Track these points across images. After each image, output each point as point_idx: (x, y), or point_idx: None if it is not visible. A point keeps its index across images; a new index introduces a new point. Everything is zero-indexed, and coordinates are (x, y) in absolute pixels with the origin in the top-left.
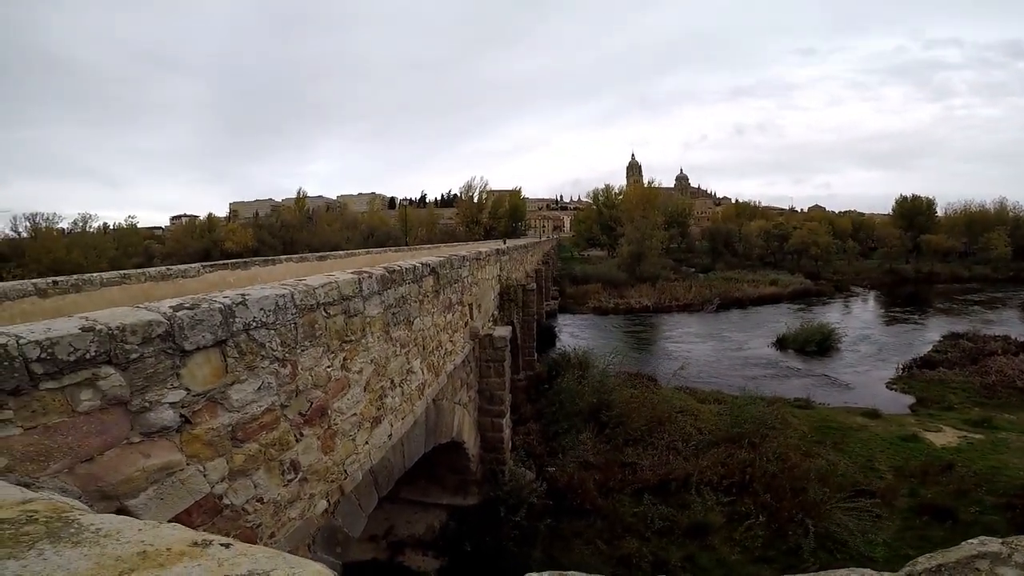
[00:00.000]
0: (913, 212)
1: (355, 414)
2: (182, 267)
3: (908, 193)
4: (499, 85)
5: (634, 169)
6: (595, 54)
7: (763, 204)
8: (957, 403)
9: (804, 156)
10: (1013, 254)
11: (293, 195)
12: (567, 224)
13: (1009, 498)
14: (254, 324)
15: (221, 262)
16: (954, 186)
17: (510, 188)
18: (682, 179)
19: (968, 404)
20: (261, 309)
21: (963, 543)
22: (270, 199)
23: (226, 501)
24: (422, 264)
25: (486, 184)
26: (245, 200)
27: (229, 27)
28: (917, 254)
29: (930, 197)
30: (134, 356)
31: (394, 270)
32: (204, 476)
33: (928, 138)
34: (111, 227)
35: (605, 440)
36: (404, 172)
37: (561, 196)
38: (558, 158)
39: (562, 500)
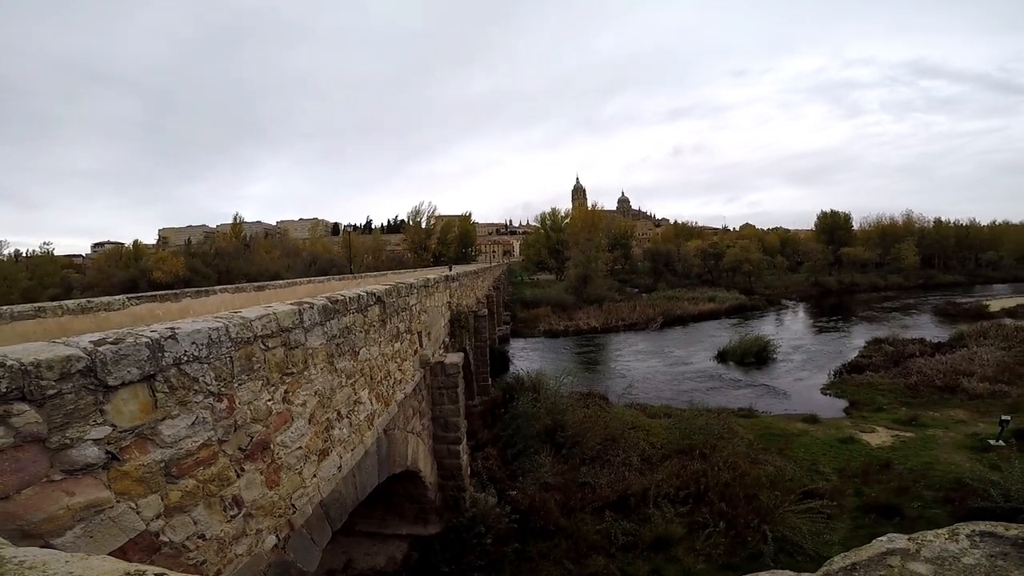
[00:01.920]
0: (833, 227)
1: (300, 447)
2: (105, 299)
3: (828, 208)
4: (451, 106)
5: (579, 192)
6: (547, 76)
7: (699, 224)
8: (886, 404)
9: (736, 175)
10: (921, 263)
11: (229, 220)
12: (517, 249)
13: (946, 492)
14: (185, 358)
15: (149, 294)
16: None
17: (460, 213)
18: (624, 201)
19: (896, 404)
20: (193, 343)
21: (874, 540)
22: (203, 225)
23: (164, 538)
24: (367, 293)
25: (434, 209)
26: (176, 226)
27: (166, 41)
28: (839, 266)
29: (847, 212)
30: (51, 392)
31: (337, 300)
32: (137, 513)
33: (845, 154)
34: (24, 254)
35: (563, 460)
36: (350, 195)
37: (511, 220)
38: (509, 180)
39: (526, 522)
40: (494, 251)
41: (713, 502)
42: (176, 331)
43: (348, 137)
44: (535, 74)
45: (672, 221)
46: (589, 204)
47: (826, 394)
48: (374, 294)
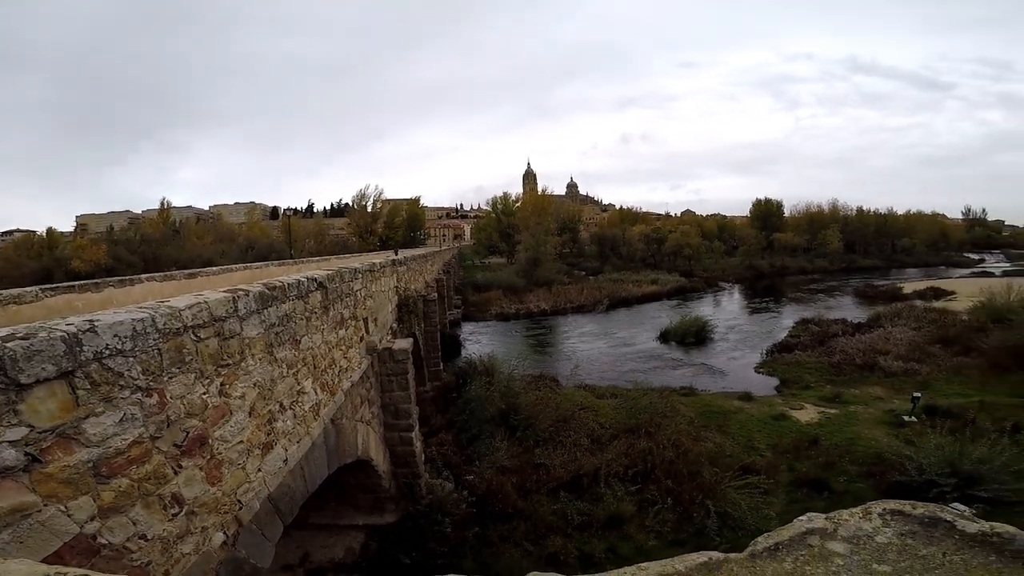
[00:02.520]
0: (767, 213)
1: (242, 441)
2: (15, 291)
3: (763, 197)
4: (404, 90)
5: (530, 177)
6: (503, 62)
7: (644, 210)
8: (813, 382)
9: (681, 164)
10: (844, 248)
11: (156, 206)
12: (468, 232)
13: (868, 466)
14: (108, 352)
15: (66, 284)
16: (802, 189)
17: (409, 197)
18: (572, 186)
19: (821, 382)
20: (115, 335)
21: (794, 520)
22: (127, 211)
23: (102, 540)
24: (308, 278)
25: (381, 192)
26: (97, 213)
27: (89, 19)
28: (771, 250)
29: (780, 200)
30: None
31: (275, 286)
32: (68, 516)
33: (782, 146)
34: None
35: (517, 443)
36: (292, 180)
37: (461, 204)
38: (462, 165)
39: (485, 506)
40: (444, 235)
41: (660, 479)
42: (96, 323)
43: (292, 121)
44: (492, 60)
45: (618, 206)
46: (539, 189)
47: (759, 372)
48: (315, 279)
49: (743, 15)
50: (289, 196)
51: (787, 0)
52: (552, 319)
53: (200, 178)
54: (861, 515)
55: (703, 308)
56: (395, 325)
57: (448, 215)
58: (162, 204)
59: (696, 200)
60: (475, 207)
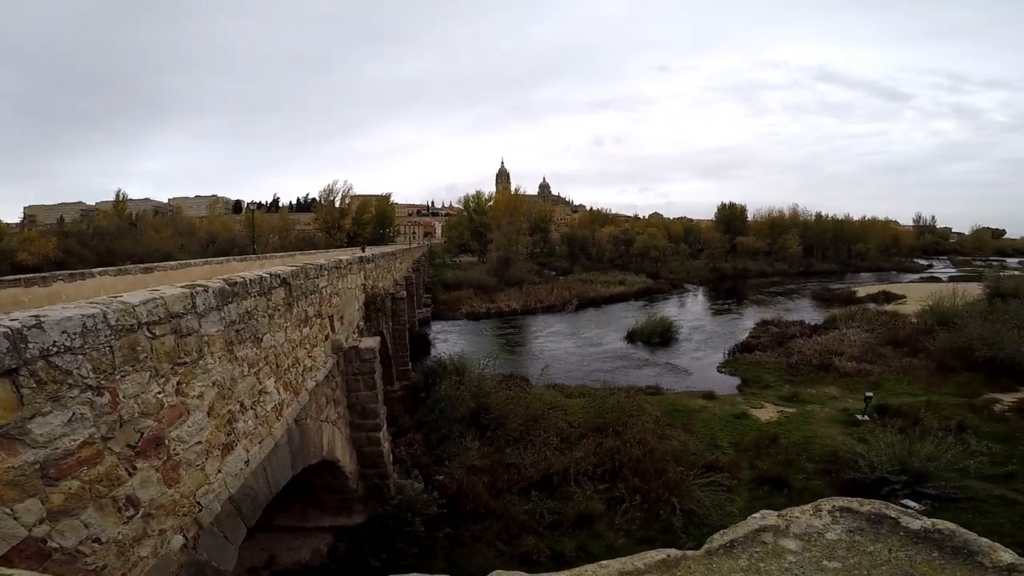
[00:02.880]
0: (731, 218)
1: (200, 442)
2: None
3: (728, 201)
4: (378, 85)
5: (503, 176)
6: (481, 61)
7: (613, 211)
8: (772, 381)
9: (651, 167)
10: (803, 252)
11: (111, 198)
12: (439, 230)
13: (825, 464)
14: (55, 349)
15: (11, 277)
16: (764, 194)
17: (380, 193)
18: (544, 187)
19: (780, 382)
20: (63, 332)
21: (748, 518)
22: (80, 202)
23: (53, 544)
24: (271, 275)
25: (350, 188)
26: (46, 204)
27: (49, 5)
28: (734, 254)
29: (743, 204)
30: None
31: (236, 282)
32: (15, 519)
33: (747, 151)
34: None
35: (488, 443)
36: (257, 174)
37: (432, 202)
38: (435, 162)
39: (456, 506)
40: (414, 232)
41: (627, 478)
42: (43, 319)
43: (260, 113)
44: (469, 59)
45: (588, 207)
46: (512, 188)
47: (722, 372)
48: (279, 276)
49: (721, 21)
50: (254, 190)
51: (765, 8)
52: (522, 319)
53: (159, 170)
54: (812, 512)
55: (669, 309)
56: (362, 323)
57: (419, 213)
58: (117, 196)
59: (664, 203)
60: (447, 205)
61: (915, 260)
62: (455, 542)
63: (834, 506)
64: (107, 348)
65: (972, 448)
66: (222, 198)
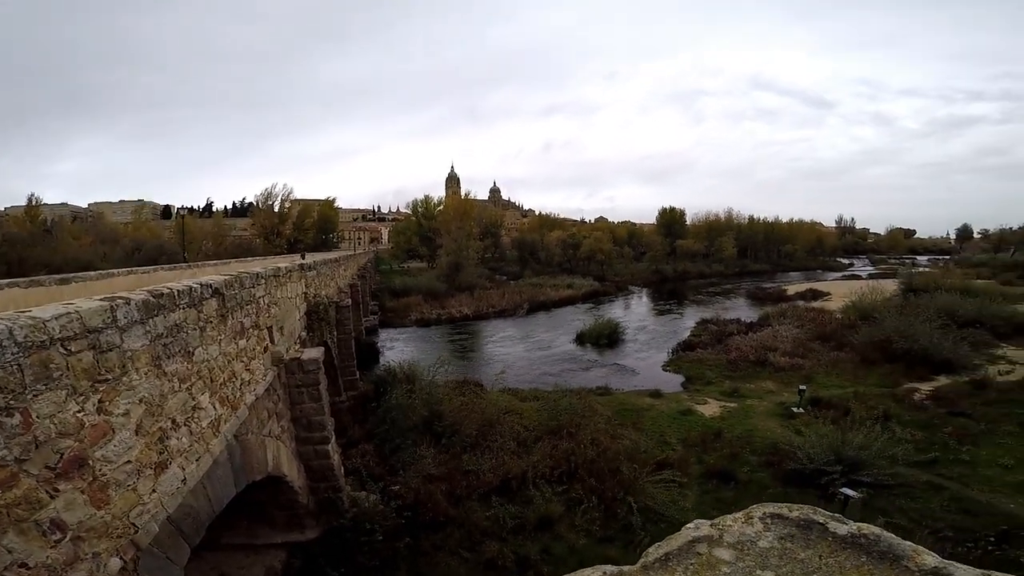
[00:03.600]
0: (671, 221)
1: (129, 461)
2: None
3: (668, 205)
4: (327, 86)
5: (453, 181)
6: (435, 64)
7: (561, 216)
8: (713, 378)
9: (597, 172)
10: (738, 254)
11: (23, 202)
12: (386, 236)
13: (767, 456)
14: None
15: None
16: (703, 198)
17: (324, 197)
18: (495, 191)
19: (721, 378)
20: None
21: (682, 528)
22: None
23: None
24: (202, 284)
25: (290, 191)
26: None
27: None
28: (675, 256)
29: (683, 208)
30: None
31: (162, 293)
32: None
33: (687, 157)
34: None
35: (444, 450)
36: (195, 177)
37: (379, 207)
38: (383, 166)
39: (415, 516)
40: (360, 238)
41: (584, 479)
42: None
43: (195, 112)
44: (424, 61)
45: (538, 212)
46: (463, 193)
47: (667, 370)
48: (210, 285)
49: (667, 29)
50: (186, 194)
51: (708, 16)
52: (474, 324)
53: (79, 172)
54: (744, 520)
55: (615, 311)
56: (304, 334)
57: (365, 217)
58: (30, 200)
59: (609, 207)
60: (395, 210)
61: (838, 259)
62: (417, 552)
63: (765, 513)
64: (15, 366)
65: (898, 436)
66: (149, 203)
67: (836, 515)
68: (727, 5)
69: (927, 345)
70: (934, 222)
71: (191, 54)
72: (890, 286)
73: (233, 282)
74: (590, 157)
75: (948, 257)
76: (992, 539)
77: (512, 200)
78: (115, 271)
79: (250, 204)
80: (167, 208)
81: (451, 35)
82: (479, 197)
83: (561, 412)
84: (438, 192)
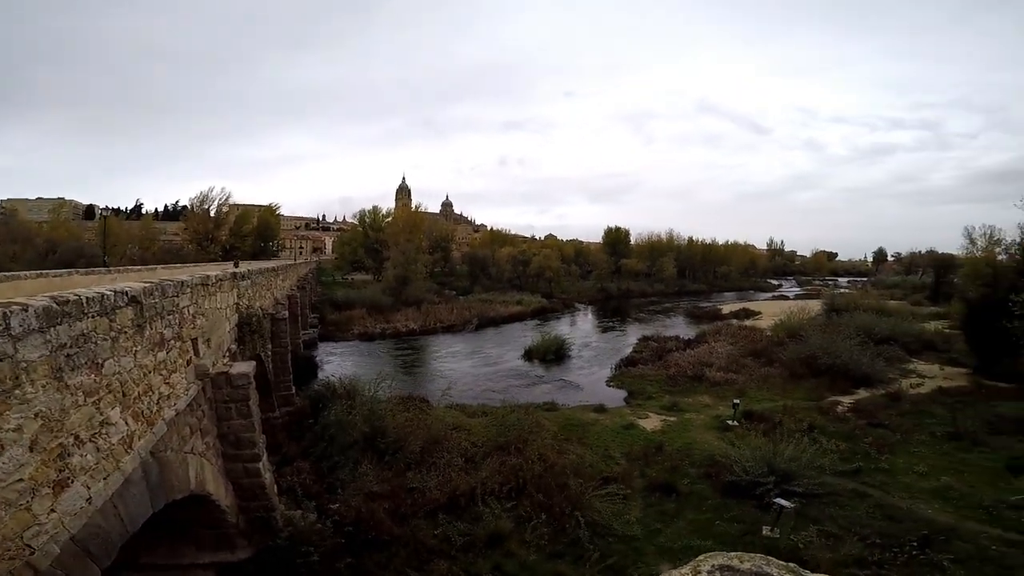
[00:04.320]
0: (616, 241)
1: (21, 480)
2: None
3: (614, 225)
4: (281, 91)
5: (403, 192)
6: (396, 74)
7: (513, 232)
8: (654, 393)
9: (550, 189)
10: (677, 273)
11: None
12: (329, 246)
13: (705, 468)
14: None
15: None
16: (648, 219)
17: (266, 203)
18: (447, 205)
19: (661, 392)
20: None
21: None
22: None
23: None
24: (117, 292)
25: (228, 196)
26: None
27: None
28: (619, 275)
29: (627, 228)
30: None
31: (67, 300)
32: None
33: (635, 177)
34: None
35: (386, 467)
36: (125, 178)
37: (324, 215)
38: (331, 174)
39: (356, 535)
40: (302, 247)
41: (532, 494)
42: None
43: (131, 111)
44: (387, 69)
45: (490, 228)
46: (413, 205)
47: (610, 386)
48: (126, 293)
49: (625, 51)
50: (114, 194)
51: (667, 39)
52: (421, 339)
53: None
54: (692, 573)
55: (562, 328)
56: (234, 346)
57: (308, 226)
58: None
59: (560, 225)
60: (340, 220)
61: (768, 280)
62: (359, 572)
63: (713, 565)
64: None
65: (824, 447)
66: (70, 201)
67: (791, 565)
68: (683, 30)
69: (848, 361)
70: (854, 245)
71: (138, 54)
72: (815, 306)
73: (153, 290)
74: (544, 174)
75: (866, 279)
76: (915, 544)
77: (464, 215)
78: (23, 273)
79: (184, 208)
80: (90, 208)
81: (420, 47)
82: (431, 210)
83: (509, 428)
84: (387, 203)
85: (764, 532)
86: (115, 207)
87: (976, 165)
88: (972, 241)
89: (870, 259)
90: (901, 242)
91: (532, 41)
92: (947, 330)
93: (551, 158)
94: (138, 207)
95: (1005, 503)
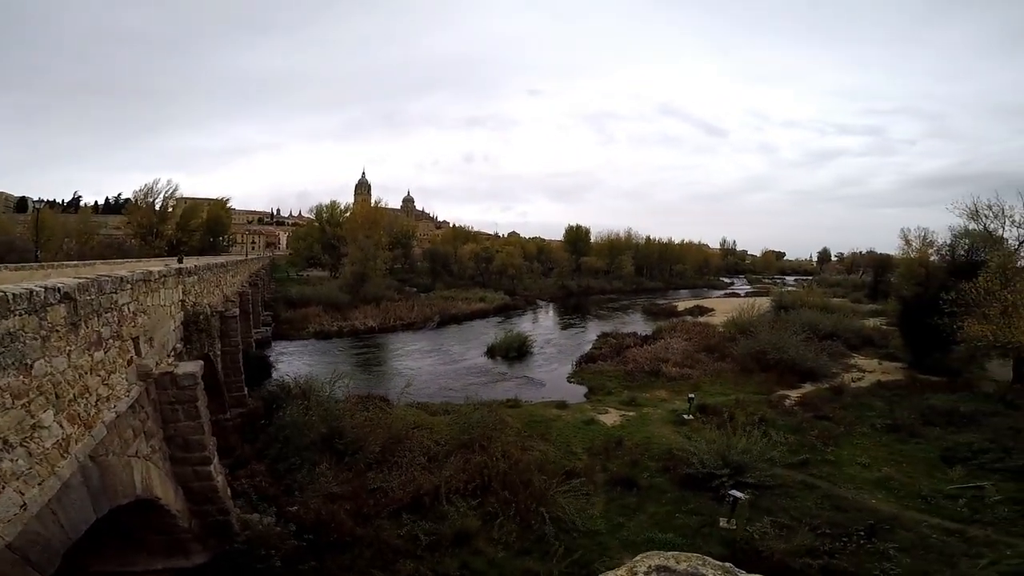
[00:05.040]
0: (577, 239)
1: None
2: None
3: (575, 223)
4: (238, 78)
5: (363, 187)
6: (360, 64)
7: (476, 229)
8: (613, 388)
9: (513, 187)
10: (636, 271)
11: None
12: (284, 241)
13: (664, 462)
14: None
15: None
16: (607, 218)
17: (217, 197)
18: (409, 201)
19: (620, 388)
20: None
21: None
22: None
23: None
24: (48, 288)
25: (175, 189)
26: None
27: None
28: (579, 272)
29: (587, 227)
30: None
31: None
32: None
33: (595, 177)
34: None
35: (346, 468)
36: (62, 168)
37: (278, 209)
38: (288, 166)
39: (318, 537)
40: (254, 242)
41: (497, 491)
42: None
43: (73, 97)
44: (352, 60)
45: (452, 224)
46: (374, 200)
47: (571, 382)
48: (59, 289)
49: (591, 51)
50: (51, 186)
51: (632, 41)
52: (380, 337)
53: None
54: (628, 575)
55: (524, 324)
56: (180, 346)
57: (261, 220)
58: None
59: (522, 222)
60: (296, 214)
61: (721, 279)
62: (323, 575)
63: (650, 566)
64: None
65: (774, 439)
66: (1, 193)
67: (726, 565)
68: (647, 34)
69: (795, 356)
70: (801, 245)
71: (77, 35)
72: (764, 303)
73: (89, 286)
74: (508, 171)
75: (811, 278)
76: (862, 533)
77: (426, 211)
78: None
79: (127, 201)
80: (22, 200)
81: (387, 38)
82: (392, 206)
83: (473, 425)
84: (347, 198)
85: (721, 524)
86: (50, 199)
87: (915, 170)
88: (908, 243)
89: (815, 259)
90: (844, 243)
91: (498, 38)
92: (884, 326)
93: (514, 155)
94: (76, 199)
95: (941, 493)
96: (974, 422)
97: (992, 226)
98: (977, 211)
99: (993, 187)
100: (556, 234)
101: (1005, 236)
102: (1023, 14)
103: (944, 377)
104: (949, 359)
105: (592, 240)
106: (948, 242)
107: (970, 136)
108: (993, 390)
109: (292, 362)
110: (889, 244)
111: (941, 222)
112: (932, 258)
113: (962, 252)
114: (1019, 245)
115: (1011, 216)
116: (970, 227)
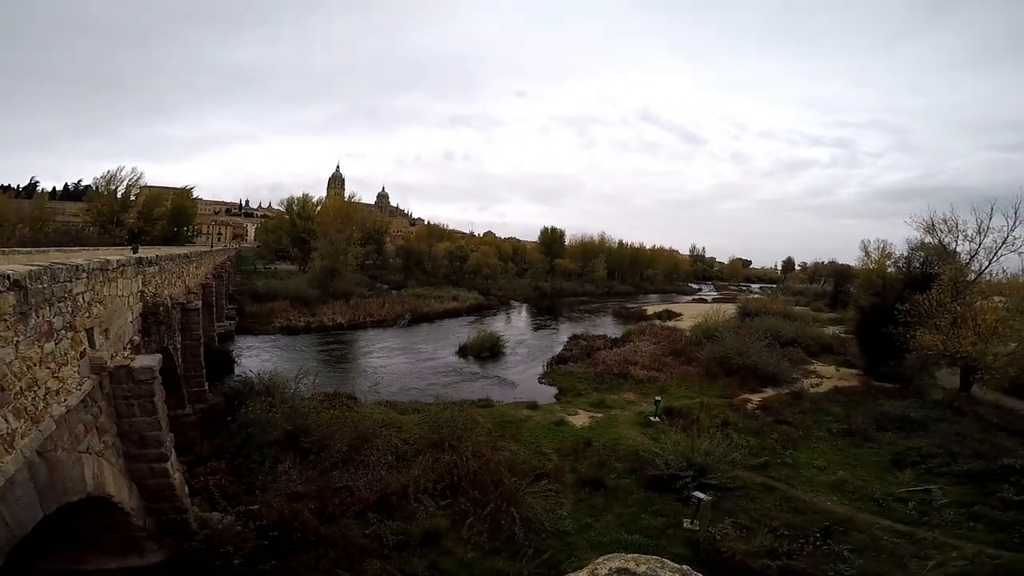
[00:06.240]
0: (551, 241)
1: None
2: None
3: (550, 225)
4: (214, 67)
5: (337, 181)
6: (342, 58)
7: (451, 227)
8: (583, 390)
9: (492, 187)
10: (608, 275)
11: None
12: (252, 233)
13: (630, 463)
14: None
15: None
16: (584, 221)
17: (183, 186)
18: (383, 196)
19: (589, 389)
20: None
21: None
22: None
23: None
24: None
25: (139, 177)
26: None
27: None
28: (553, 274)
29: (562, 229)
30: None
31: None
32: None
33: (575, 180)
34: None
35: (311, 467)
36: (22, 153)
37: (247, 200)
38: (261, 158)
39: (281, 537)
40: (220, 233)
41: (467, 491)
42: None
43: (35, 83)
44: (334, 53)
45: (427, 221)
46: (347, 195)
47: (542, 383)
48: (7, 276)
49: (576, 55)
50: (8, 171)
51: (614, 48)
52: (350, 334)
53: None
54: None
55: (497, 324)
56: (137, 338)
57: (229, 211)
58: None
59: (499, 222)
60: (265, 205)
61: (690, 284)
62: (285, 574)
63: (611, 568)
64: None
65: (736, 442)
66: None
67: (684, 568)
68: (631, 41)
69: (757, 361)
70: (767, 253)
71: (45, 20)
72: (730, 309)
73: (41, 274)
74: (488, 171)
75: (775, 285)
76: (819, 535)
77: (401, 207)
78: None
79: (87, 188)
80: None
81: (366, 32)
82: (365, 201)
83: (443, 425)
84: (320, 192)
85: (685, 525)
86: (5, 184)
87: (878, 183)
88: (867, 253)
89: (780, 267)
90: (809, 251)
91: (487, 38)
92: (843, 334)
93: (495, 156)
94: (32, 185)
95: (892, 496)
96: (924, 428)
97: (946, 240)
98: (933, 225)
99: (952, 200)
100: (532, 236)
101: (958, 250)
102: (985, 32)
103: (897, 384)
104: (902, 367)
105: (567, 242)
106: (905, 254)
107: (932, 150)
108: (941, 397)
109: (256, 357)
110: (851, 254)
111: (900, 234)
112: (890, 269)
113: (917, 264)
114: (970, 259)
115: (964, 231)
116: (926, 240)
